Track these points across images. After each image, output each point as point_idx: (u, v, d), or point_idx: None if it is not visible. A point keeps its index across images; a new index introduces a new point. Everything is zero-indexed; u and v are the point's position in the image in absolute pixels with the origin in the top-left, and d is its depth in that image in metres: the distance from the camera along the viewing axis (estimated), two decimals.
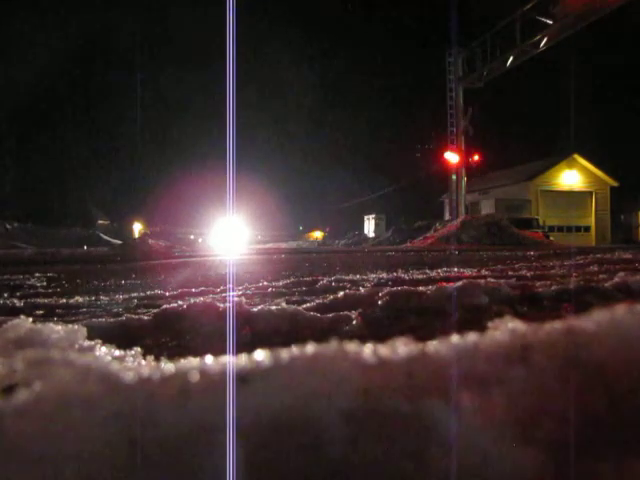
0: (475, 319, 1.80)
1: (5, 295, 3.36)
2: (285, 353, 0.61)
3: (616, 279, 2.52)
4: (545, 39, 18.99)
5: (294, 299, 2.67)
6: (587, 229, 30.34)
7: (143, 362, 0.90)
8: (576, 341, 0.62)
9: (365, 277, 4.02)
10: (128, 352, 0.97)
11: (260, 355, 0.62)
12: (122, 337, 1.63)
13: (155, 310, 2.08)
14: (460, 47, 23.67)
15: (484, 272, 4.21)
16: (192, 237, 37.19)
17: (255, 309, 1.89)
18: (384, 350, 0.62)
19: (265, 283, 3.72)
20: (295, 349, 0.62)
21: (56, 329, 0.99)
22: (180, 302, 2.46)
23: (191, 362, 0.62)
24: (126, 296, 3.19)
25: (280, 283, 3.66)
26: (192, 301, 2.05)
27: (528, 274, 3.85)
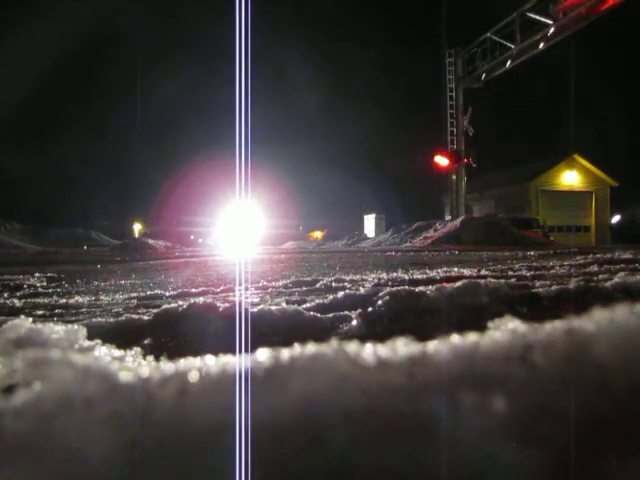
0: (475, 319, 1.80)
1: (5, 295, 3.36)
2: (285, 353, 0.62)
3: (616, 279, 2.52)
4: (545, 39, 18.98)
5: (294, 299, 2.67)
6: (587, 229, 30.33)
7: (143, 362, 0.90)
8: (576, 341, 0.62)
9: (365, 277, 4.02)
10: (128, 352, 0.97)
11: (260, 355, 0.62)
12: (122, 337, 1.63)
13: (155, 310, 2.08)
14: (460, 47, 23.67)
15: (484, 272, 4.21)
16: (192, 237, 37.15)
17: (255, 309, 1.89)
18: (384, 350, 0.62)
19: (265, 283, 3.72)
20: (295, 349, 0.62)
21: (56, 329, 0.99)
22: (180, 302, 2.46)
23: (192, 362, 0.62)
24: (126, 296, 3.19)
25: (280, 283, 3.66)
26: (192, 301, 2.05)
27: (528, 274, 3.85)
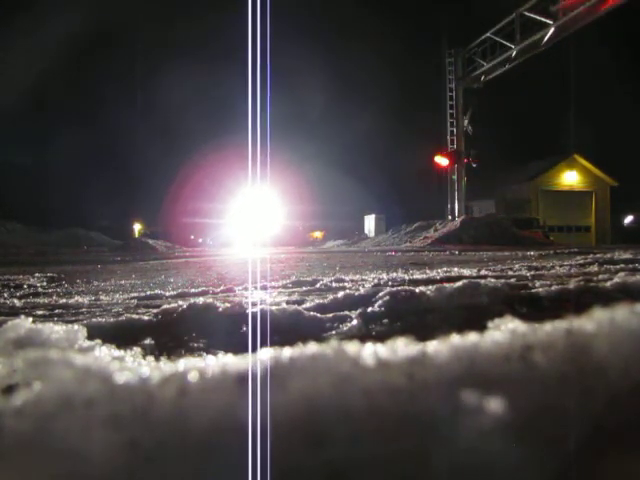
0: (475, 319, 1.80)
1: (5, 295, 3.36)
2: (285, 353, 0.62)
3: (616, 279, 2.52)
4: (545, 38, 18.96)
5: (294, 299, 2.67)
6: (587, 229, 30.32)
7: (143, 362, 0.90)
8: (576, 341, 0.62)
9: (365, 277, 4.02)
10: (128, 352, 0.97)
11: (261, 355, 0.62)
12: (122, 337, 1.63)
13: (155, 310, 2.08)
14: (460, 47, 23.68)
15: (484, 272, 4.21)
16: (192, 237, 37.14)
17: (255, 309, 1.89)
18: (383, 350, 0.62)
19: (264, 283, 3.72)
20: (295, 349, 0.62)
21: (56, 329, 0.99)
22: (180, 302, 2.46)
23: (192, 362, 0.62)
24: (126, 296, 3.19)
25: (280, 283, 3.66)
26: (192, 301, 2.05)
27: (528, 274, 3.85)
